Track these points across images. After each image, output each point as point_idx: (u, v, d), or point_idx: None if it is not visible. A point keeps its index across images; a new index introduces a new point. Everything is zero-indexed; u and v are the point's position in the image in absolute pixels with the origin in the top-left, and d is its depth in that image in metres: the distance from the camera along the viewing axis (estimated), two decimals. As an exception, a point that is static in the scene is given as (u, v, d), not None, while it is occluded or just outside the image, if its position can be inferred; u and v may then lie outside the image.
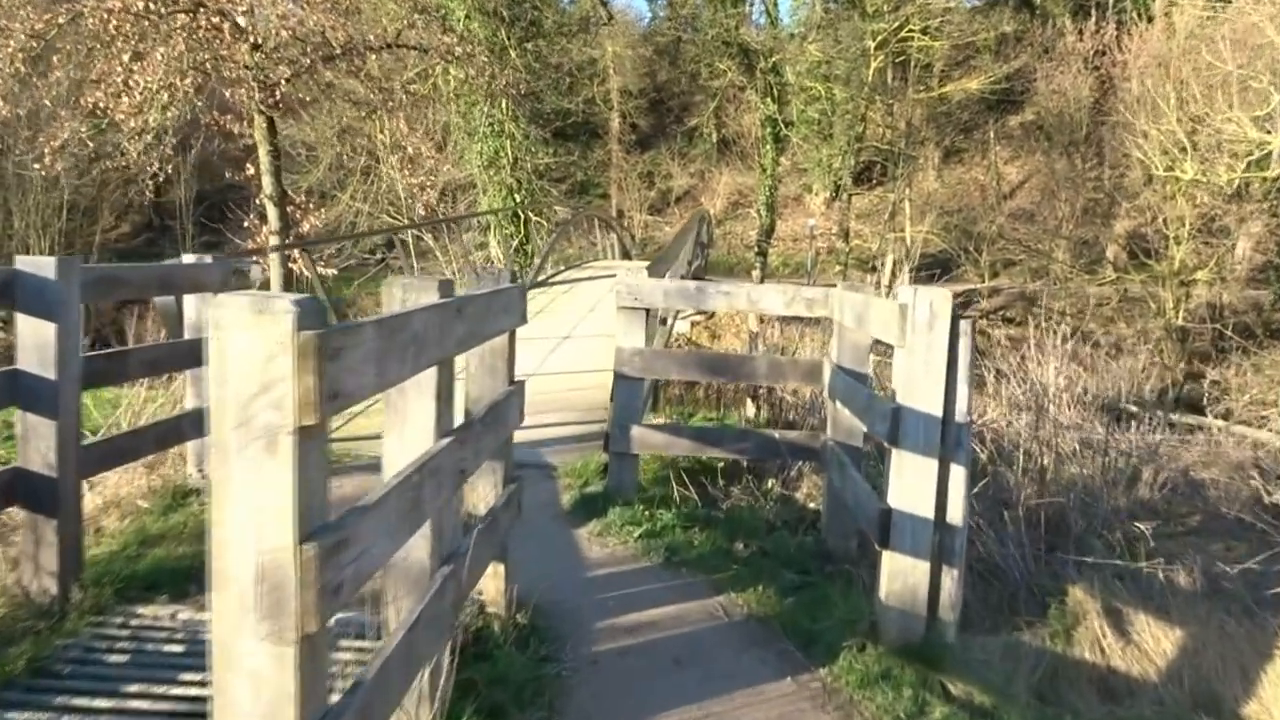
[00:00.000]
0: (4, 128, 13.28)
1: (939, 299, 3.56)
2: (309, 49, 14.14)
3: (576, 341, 10.59)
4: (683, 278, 13.97)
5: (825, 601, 4.10)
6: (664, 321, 10.12)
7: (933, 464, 3.58)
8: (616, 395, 5.14)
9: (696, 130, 38.12)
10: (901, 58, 31.87)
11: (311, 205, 15.82)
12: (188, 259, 5.21)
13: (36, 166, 13.32)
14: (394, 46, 15.41)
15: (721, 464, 5.41)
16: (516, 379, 3.72)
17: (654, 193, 37.97)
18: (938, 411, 3.57)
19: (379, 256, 24.95)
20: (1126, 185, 27.08)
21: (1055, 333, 8.31)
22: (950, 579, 3.65)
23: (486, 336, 3.12)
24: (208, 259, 5.18)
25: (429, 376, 2.62)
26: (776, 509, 5.43)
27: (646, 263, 16.05)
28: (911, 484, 3.61)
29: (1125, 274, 26.50)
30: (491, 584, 3.61)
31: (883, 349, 5.29)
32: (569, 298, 14.74)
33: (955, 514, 3.63)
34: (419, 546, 2.68)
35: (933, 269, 30.69)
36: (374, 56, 15.64)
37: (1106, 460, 6.70)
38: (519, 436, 7.08)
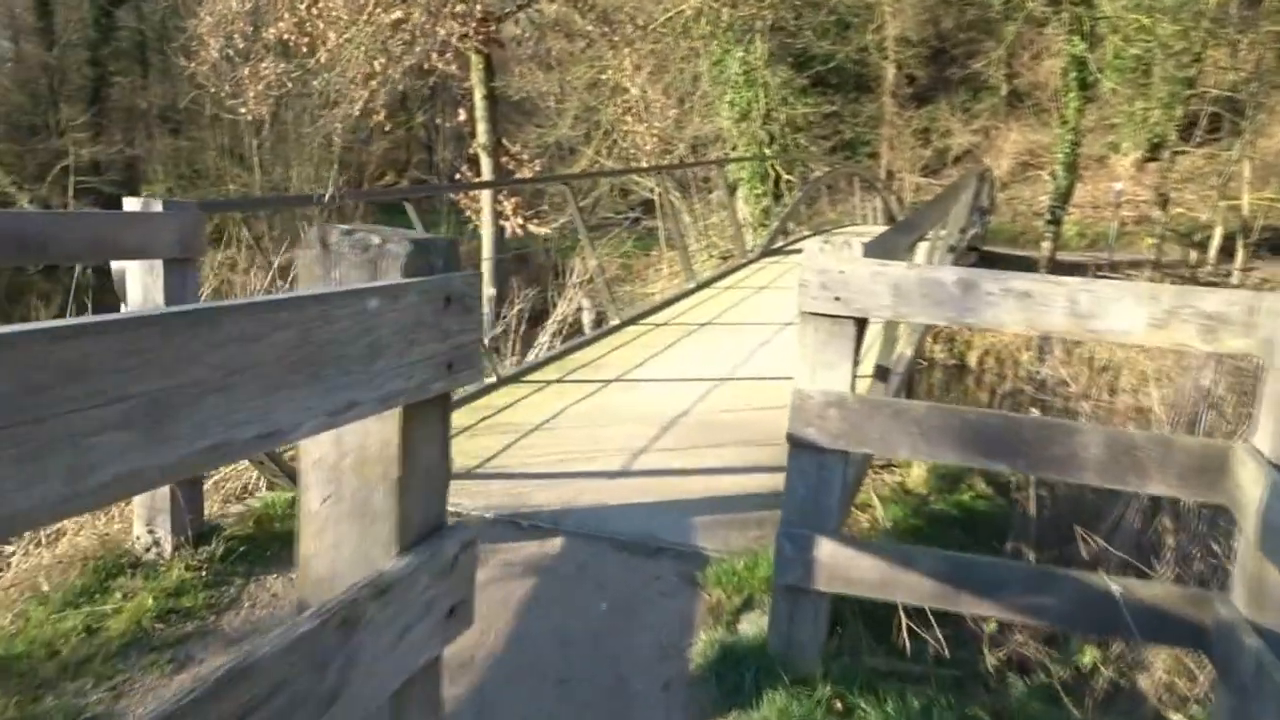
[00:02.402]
0: (213, 70, 12.54)
1: None
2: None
3: (802, 330, 8.07)
4: (952, 250, 10.90)
5: None
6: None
7: None
8: (792, 482, 2.71)
9: (983, 80, 33.58)
10: (1253, -19, 25.93)
11: (527, 156, 14.21)
12: (131, 204, 3.31)
13: (243, 110, 12.57)
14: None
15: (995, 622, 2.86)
16: (451, 519, 1.43)
17: (929, 152, 33.96)
18: None
19: (624, 215, 23.47)
20: None
21: None
22: None
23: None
24: (156, 205, 3.27)
25: None
26: (1098, 715, 2.81)
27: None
28: None
29: None
30: None
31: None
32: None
33: None
34: None
35: (1269, 246, 25.62)
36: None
37: None
38: (658, 490, 4.73)
